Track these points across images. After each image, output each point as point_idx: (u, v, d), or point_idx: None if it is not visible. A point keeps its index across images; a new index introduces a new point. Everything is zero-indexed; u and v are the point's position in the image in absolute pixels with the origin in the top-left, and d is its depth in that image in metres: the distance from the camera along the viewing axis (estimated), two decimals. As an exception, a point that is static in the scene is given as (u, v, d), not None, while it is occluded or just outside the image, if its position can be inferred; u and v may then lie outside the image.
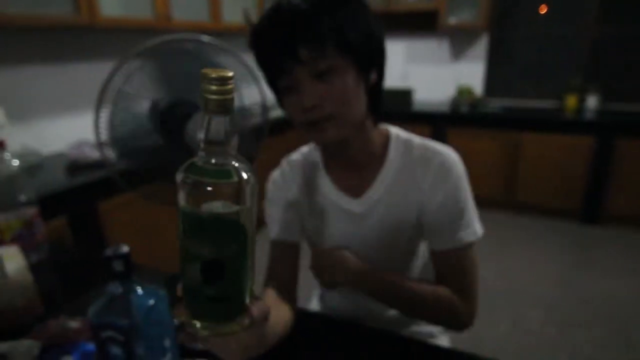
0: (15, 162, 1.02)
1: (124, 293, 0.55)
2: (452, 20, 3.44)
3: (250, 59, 1.34)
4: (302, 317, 0.84)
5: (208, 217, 0.38)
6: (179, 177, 0.39)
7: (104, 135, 1.02)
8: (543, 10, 3.48)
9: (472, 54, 3.75)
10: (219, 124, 0.38)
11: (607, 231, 3.12)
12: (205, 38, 1.13)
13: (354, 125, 0.76)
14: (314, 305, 1.12)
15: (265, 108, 1.31)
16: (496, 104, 3.65)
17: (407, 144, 0.84)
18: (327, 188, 0.87)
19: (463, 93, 3.65)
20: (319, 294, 1.14)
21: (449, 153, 0.82)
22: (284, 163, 0.95)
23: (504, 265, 2.68)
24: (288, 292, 0.87)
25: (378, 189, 0.83)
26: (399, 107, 3.65)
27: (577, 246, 2.92)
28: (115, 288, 0.54)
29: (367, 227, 0.85)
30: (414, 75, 3.93)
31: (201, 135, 0.39)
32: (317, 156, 0.90)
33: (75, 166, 1.90)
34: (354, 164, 0.84)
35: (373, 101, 0.78)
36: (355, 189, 0.85)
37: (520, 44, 3.61)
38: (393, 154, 0.83)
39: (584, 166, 3.11)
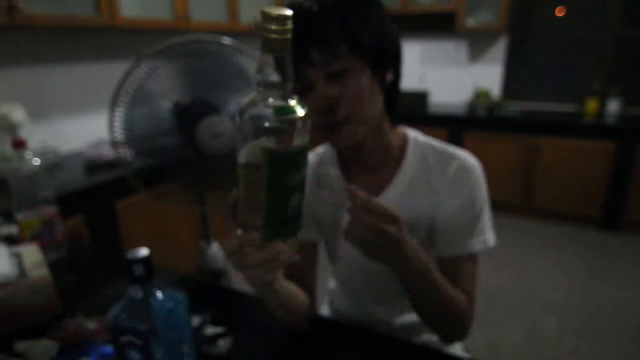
0: (37, 162, 1.03)
1: (144, 297, 0.54)
2: (471, 22, 3.39)
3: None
4: (313, 322, 0.83)
5: (298, 151, 0.44)
6: (264, 122, 0.42)
7: (120, 135, 1.03)
8: (561, 12, 3.41)
9: (490, 57, 3.70)
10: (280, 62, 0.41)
11: (627, 238, 3.04)
12: (223, 39, 1.13)
13: (370, 126, 0.74)
14: (324, 311, 1.11)
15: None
16: (514, 107, 3.59)
17: (426, 148, 0.82)
18: (343, 188, 0.85)
19: (480, 96, 3.61)
20: (329, 300, 1.12)
21: (467, 157, 0.80)
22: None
23: (521, 272, 2.63)
24: (307, 290, 0.85)
25: (394, 192, 0.82)
26: (415, 110, 3.62)
27: (596, 253, 2.86)
28: (135, 292, 0.54)
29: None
30: (431, 77, 3.90)
31: (259, 77, 0.42)
32: (333, 156, 0.89)
33: (93, 165, 1.92)
34: (371, 166, 0.83)
35: (390, 102, 0.77)
36: (371, 191, 0.83)
37: (539, 47, 3.55)
38: (411, 157, 0.82)
39: (605, 172, 3.04)
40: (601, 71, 3.37)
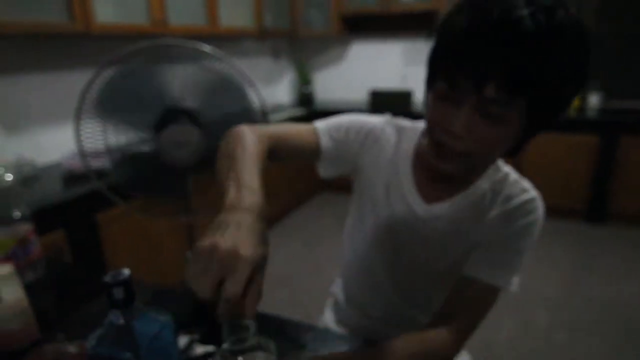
0: (9, 177, 0.98)
1: (126, 322, 0.50)
2: (451, 20, 3.41)
3: (244, 65, 1.29)
4: (321, 335, 0.80)
5: None
6: None
7: (92, 145, 0.98)
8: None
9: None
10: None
11: (613, 230, 3.09)
12: (194, 43, 1.09)
13: (474, 167, 0.72)
14: (328, 319, 1.07)
15: (265, 114, 1.27)
16: (497, 104, 3.61)
17: (503, 178, 0.79)
18: (406, 180, 0.82)
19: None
20: (332, 306, 1.09)
21: (536, 197, 0.77)
22: (386, 122, 0.86)
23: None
24: (270, 158, 0.75)
25: (451, 205, 0.79)
26: (398, 109, 3.61)
27: (583, 246, 2.89)
28: (116, 317, 0.50)
29: (423, 236, 0.82)
30: (414, 76, 3.90)
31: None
32: (411, 144, 0.83)
33: (72, 176, 1.85)
34: (442, 176, 0.78)
35: (517, 145, 0.68)
36: (430, 195, 0.81)
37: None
38: (483, 182, 0.78)
39: (588, 165, 3.08)
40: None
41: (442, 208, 0.79)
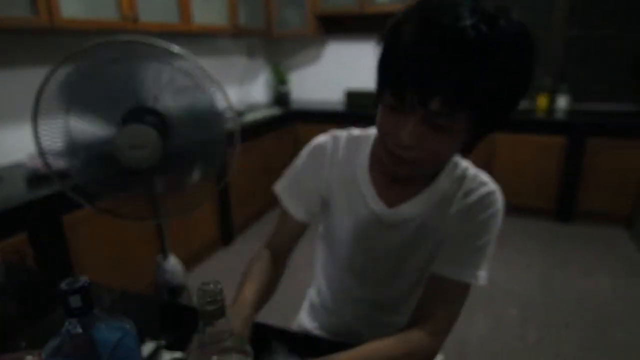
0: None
1: (83, 331, 0.48)
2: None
3: (218, 64, 1.26)
4: (289, 338, 0.78)
5: None
6: None
7: (53, 145, 0.94)
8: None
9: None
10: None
11: (581, 228, 3.18)
12: (153, 40, 1.05)
13: (431, 170, 0.74)
14: (304, 321, 1.06)
15: (235, 114, 1.25)
16: (470, 105, 3.67)
17: (462, 173, 0.80)
18: (366, 187, 0.82)
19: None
20: (308, 307, 1.08)
21: (496, 190, 0.78)
22: (331, 138, 0.87)
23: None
24: (283, 258, 0.91)
25: (414, 206, 0.79)
26: (374, 109, 3.62)
27: (552, 244, 2.96)
28: (73, 327, 0.47)
29: (393, 239, 0.82)
30: (389, 77, 3.93)
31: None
32: (366, 150, 0.84)
33: (36, 177, 1.78)
34: (401, 178, 0.79)
35: (468, 145, 0.70)
36: (392, 198, 0.81)
37: (492, 46, 3.64)
38: (443, 180, 0.79)
39: (557, 166, 3.16)
40: (550, 69, 3.51)
41: (405, 210, 0.80)
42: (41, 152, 0.97)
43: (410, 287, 0.90)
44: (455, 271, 0.76)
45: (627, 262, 2.72)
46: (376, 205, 0.81)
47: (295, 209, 0.87)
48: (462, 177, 0.79)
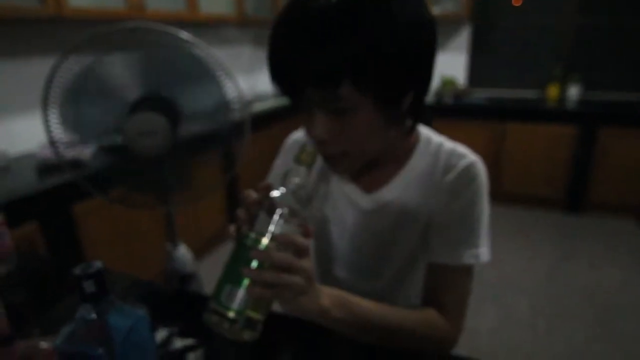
0: (-25, 166, 0.93)
1: (98, 317, 0.48)
2: (435, 10, 3.40)
3: (225, 53, 1.25)
4: (294, 328, 0.78)
5: None
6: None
7: (64, 134, 0.94)
8: (518, 2, 3.46)
9: (455, 45, 3.72)
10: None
11: (590, 219, 3.15)
12: (166, 28, 1.04)
13: (369, 157, 0.70)
14: None
15: (244, 104, 1.24)
16: (480, 94, 3.64)
17: (437, 149, 0.77)
18: (344, 179, 0.82)
19: (447, 84, 3.63)
20: None
21: (476, 161, 0.75)
22: (303, 134, 0.88)
23: (492, 256, 2.66)
24: None
25: (393, 189, 0.78)
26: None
27: (562, 235, 2.94)
28: (87, 312, 0.47)
29: (376, 225, 0.80)
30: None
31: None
32: None
33: (47, 166, 1.78)
34: (373, 165, 0.78)
35: (413, 117, 0.70)
36: (369, 184, 0.80)
37: (502, 34, 3.60)
38: (417, 157, 0.78)
39: (567, 155, 3.13)
40: (561, 58, 3.45)
41: (383, 194, 0.78)
42: (52, 141, 0.96)
43: (402, 275, 0.87)
44: (454, 256, 0.74)
45: (637, 254, 2.69)
46: (355, 193, 0.81)
47: None
48: (438, 152, 0.77)
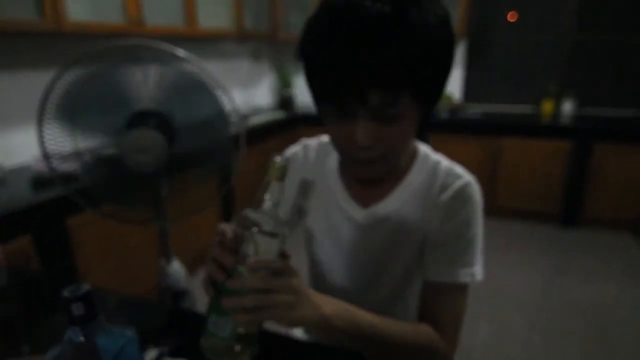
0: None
1: (86, 339, 0.47)
2: (431, 26, 3.44)
3: (223, 67, 1.27)
4: (288, 345, 0.78)
5: None
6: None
7: (64, 147, 0.94)
8: (513, 17, 3.52)
9: (451, 60, 3.76)
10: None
11: (587, 234, 3.16)
12: (160, 45, 1.05)
13: (401, 159, 0.74)
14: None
15: (240, 118, 1.25)
16: (475, 109, 3.67)
17: (434, 167, 0.79)
18: (339, 191, 0.82)
19: (442, 99, 3.66)
20: None
21: (471, 181, 0.77)
22: (301, 148, 0.90)
23: (488, 271, 2.66)
24: None
25: (388, 204, 0.78)
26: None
27: (557, 250, 2.94)
28: (75, 335, 0.47)
29: (372, 239, 0.81)
30: (394, 81, 3.92)
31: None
32: (333, 154, 0.84)
33: (41, 180, 1.78)
34: (371, 179, 0.78)
35: (421, 127, 0.72)
36: (366, 199, 0.80)
37: (497, 50, 3.64)
38: (415, 173, 0.78)
39: (562, 170, 3.15)
40: (556, 73, 3.49)
41: (380, 209, 0.79)
42: (46, 156, 0.97)
43: (399, 289, 0.87)
44: (450, 274, 0.75)
45: (632, 268, 2.70)
46: (351, 208, 0.81)
47: None
48: (435, 170, 0.78)
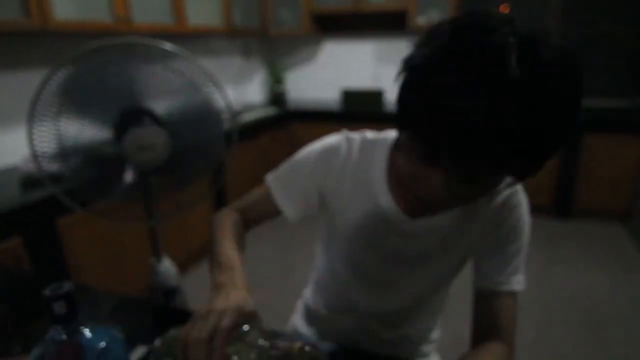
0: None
1: (68, 338, 0.47)
2: (422, 20, 3.44)
3: (214, 64, 1.27)
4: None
5: None
6: None
7: (47, 148, 0.94)
8: (505, 9, 3.52)
9: (442, 54, 3.77)
10: None
11: (578, 225, 3.18)
12: (155, 42, 1.05)
13: None
14: (298, 321, 1.05)
15: (233, 114, 1.25)
16: (467, 102, 3.67)
17: None
18: (385, 200, 0.75)
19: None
20: (303, 311, 1.06)
21: (518, 189, 0.76)
22: (345, 140, 0.79)
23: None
24: (246, 227, 0.87)
25: (436, 218, 0.74)
26: (370, 108, 3.63)
27: (550, 241, 2.96)
28: (57, 334, 0.47)
29: (415, 247, 0.79)
30: (385, 76, 3.92)
31: None
32: (381, 155, 0.77)
33: (30, 180, 1.77)
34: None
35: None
36: (412, 211, 0.75)
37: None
38: None
39: (554, 162, 3.16)
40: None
41: (429, 221, 0.75)
42: (35, 156, 0.96)
43: (419, 298, 0.87)
44: (507, 282, 0.75)
45: (624, 258, 2.72)
46: (398, 219, 0.76)
47: (288, 206, 0.82)
48: None
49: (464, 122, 0.47)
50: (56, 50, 2.19)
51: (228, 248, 0.71)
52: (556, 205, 3.27)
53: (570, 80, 0.49)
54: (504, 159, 0.49)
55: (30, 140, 0.96)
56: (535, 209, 3.31)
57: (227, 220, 0.81)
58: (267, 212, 0.85)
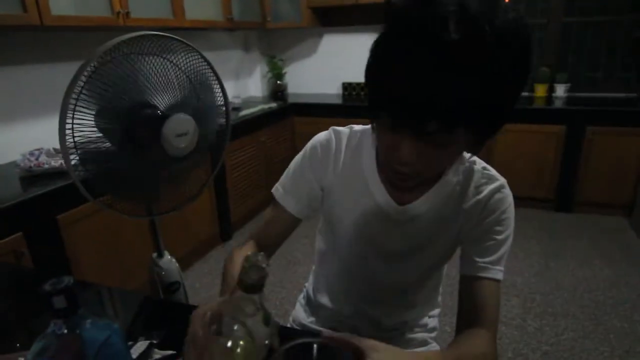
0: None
1: (69, 332, 0.47)
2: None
3: (214, 58, 1.28)
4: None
5: None
6: None
7: (69, 141, 0.95)
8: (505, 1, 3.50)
9: (442, 46, 3.74)
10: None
11: (580, 217, 3.17)
12: (171, 36, 1.06)
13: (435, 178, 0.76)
14: (299, 313, 1.06)
15: (228, 110, 1.25)
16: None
17: (469, 167, 0.79)
18: (375, 185, 0.80)
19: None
20: (304, 301, 1.08)
21: (504, 183, 0.79)
22: (333, 134, 0.85)
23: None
24: (268, 253, 0.86)
25: (424, 203, 0.79)
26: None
27: (552, 234, 2.96)
28: (58, 328, 0.47)
29: (404, 234, 0.82)
30: (386, 68, 3.90)
31: None
32: (369, 147, 0.81)
33: (30, 176, 1.77)
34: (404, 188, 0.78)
35: (473, 148, 0.69)
36: (402, 196, 0.79)
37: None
38: (451, 174, 0.78)
39: (556, 154, 3.15)
40: (548, 57, 3.48)
41: (415, 207, 0.79)
42: (64, 149, 0.98)
43: (414, 283, 0.91)
44: (489, 271, 0.77)
45: (626, 250, 2.72)
46: (387, 204, 0.80)
47: (293, 205, 0.87)
48: (470, 171, 0.79)
49: (410, 83, 0.53)
50: (54, 45, 2.18)
51: (236, 270, 0.74)
52: (558, 198, 3.26)
53: (510, 42, 0.53)
54: (450, 114, 0.54)
55: (62, 133, 0.97)
56: (536, 202, 3.31)
57: (236, 256, 0.83)
58: (280, 225, 0.89)
